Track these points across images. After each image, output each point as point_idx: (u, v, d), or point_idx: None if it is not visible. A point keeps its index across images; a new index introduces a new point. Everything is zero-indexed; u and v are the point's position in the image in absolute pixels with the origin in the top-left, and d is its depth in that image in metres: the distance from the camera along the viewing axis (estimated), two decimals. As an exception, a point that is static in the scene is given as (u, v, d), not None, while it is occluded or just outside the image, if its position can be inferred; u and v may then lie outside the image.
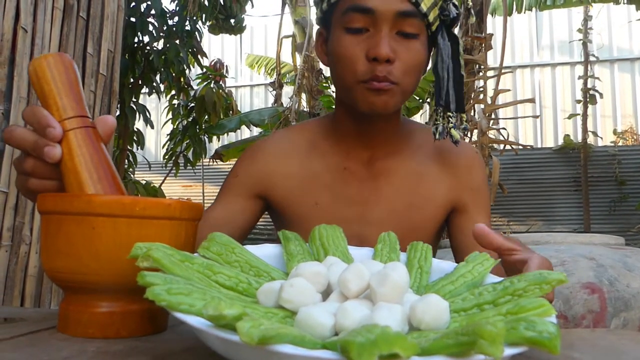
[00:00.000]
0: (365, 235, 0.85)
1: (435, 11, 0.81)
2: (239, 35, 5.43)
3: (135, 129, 3.87)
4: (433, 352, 0.34)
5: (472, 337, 0.32)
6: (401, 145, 0.91)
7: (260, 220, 0.97)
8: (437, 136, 0.85)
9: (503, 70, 3.31)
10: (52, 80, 0.54)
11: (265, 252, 0.63)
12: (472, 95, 3.58)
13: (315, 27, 0.95)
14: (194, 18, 3.83)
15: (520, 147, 3.56)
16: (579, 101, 7.55)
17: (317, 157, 0.90)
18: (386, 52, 0.77)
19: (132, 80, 3.61)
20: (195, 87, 4.87)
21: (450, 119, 0.84)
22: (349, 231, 0.82)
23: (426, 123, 0.87)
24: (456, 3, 0.84)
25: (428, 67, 0.89)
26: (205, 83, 4.92)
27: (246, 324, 0.32)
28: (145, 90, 3.79)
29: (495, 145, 3.61)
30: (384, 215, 0.87)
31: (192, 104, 4.83)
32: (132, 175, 4.39)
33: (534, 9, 5.91)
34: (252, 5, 4.60)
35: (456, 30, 0.86)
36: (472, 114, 3.55)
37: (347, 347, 0.31)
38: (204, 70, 4.81)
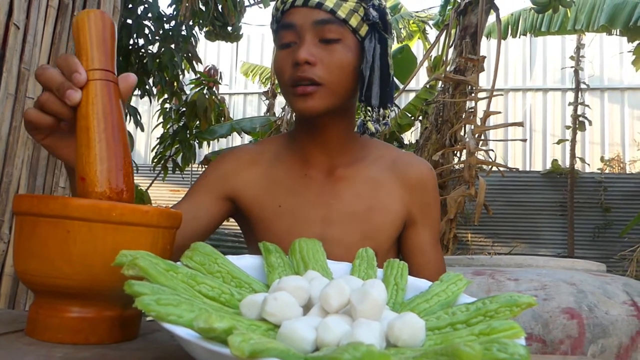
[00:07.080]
0: (328, 235, 0.89)
1: (357, 17, 0.87)
2: (235, 43, 5.44)
3: (125, 131, 3.84)
4: None
5: (450, 358, 0.33)
6: (360, 156, 0.96)
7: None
8: (356, 129, 0.89)
9: (495, 93, 3.33)
10: (88, 33, 0.57)
11: (245, 263, 0.63)
12: (463, 116, 3.60)
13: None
14: (190, 23, 3.83)
15: (507, 169, 3.58)
16: (568, 127, 7.62)
17: (280, 166, 0.96)
18: (304, 55, 0.83)
19: (124, 82, 3.59)
20: (188, 92, 4.86)
21: (369, 113, 0.88)
22: (312, 231, 0.88)
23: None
24: (379, 6, 0.88)
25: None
26: (198, 89, 4.92)
27: (237, 337, 0.33)
28: (137, 92, 3.78)
29: (484, 167, 3.64)
30: (345, 217, 0.91)
31: (184, 109, 4.82)
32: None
33: (528, 34, 5.99)
34: (242, 14, 4.61)
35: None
36: (461, 134, 3.57)
37: None
38: (198, 75, 4.80)
